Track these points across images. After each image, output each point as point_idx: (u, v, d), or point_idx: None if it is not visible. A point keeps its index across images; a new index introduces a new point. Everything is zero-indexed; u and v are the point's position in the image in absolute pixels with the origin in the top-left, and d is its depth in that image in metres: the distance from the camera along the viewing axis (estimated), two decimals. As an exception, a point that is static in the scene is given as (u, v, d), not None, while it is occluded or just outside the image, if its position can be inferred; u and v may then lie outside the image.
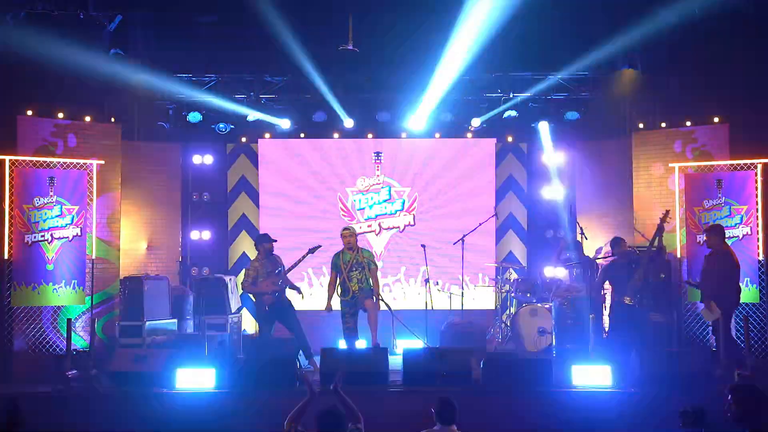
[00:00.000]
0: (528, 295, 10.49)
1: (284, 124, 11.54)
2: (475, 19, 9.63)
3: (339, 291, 8.91)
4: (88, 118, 10.06)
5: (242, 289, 9.20)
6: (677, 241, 9.91)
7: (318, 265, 10.86)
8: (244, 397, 7.42)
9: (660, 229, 8.43)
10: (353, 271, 8.83)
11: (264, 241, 9.09)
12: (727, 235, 8.69)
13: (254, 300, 9.12)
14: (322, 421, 4.78)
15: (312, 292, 10.90)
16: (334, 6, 9.79)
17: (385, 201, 11.88)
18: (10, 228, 9.10)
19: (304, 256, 9.08)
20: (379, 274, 9.19)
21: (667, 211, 8.60)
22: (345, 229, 9.11)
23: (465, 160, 11.86)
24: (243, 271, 9.21)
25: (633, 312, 8.28)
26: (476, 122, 11.51)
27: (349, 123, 11.51)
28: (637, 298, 8.25)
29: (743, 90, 9.68)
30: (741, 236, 9.37)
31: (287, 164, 11.87)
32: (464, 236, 10.51)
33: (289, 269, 9.08)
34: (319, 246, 9.16)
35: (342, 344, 9.09)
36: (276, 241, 9.15)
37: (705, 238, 8.67)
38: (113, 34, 9.57)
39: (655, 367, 7.59)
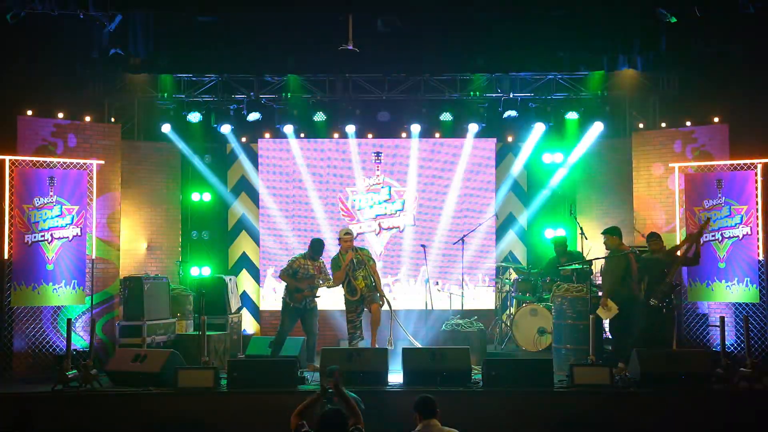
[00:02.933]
0: (528, 295, 10.49)
1: (284, 124, 11.53)
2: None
3: (346, 291, 8.89)
4: (88, 118, 10.06)
5: (279, 275, 9.13)
6: (677, 241, 9.88)
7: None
8: (244, 397, 7.42)
9: (699, 235, 8.47)
10: (358, 269, 8.83)
11: (317, 245, 9.12)
12: (729, 235, 8.68)
13: (285, 292, 9.08)
14: (325, 420, 4.77)
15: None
16: (334, 5, 9.77)
17: (385, 201, 11.87)
18: (10, 228, 9.10)
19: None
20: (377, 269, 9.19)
21: (709, 218, 8.58)
22: (346, 233, 9.07)
23: (465, 160, 11.85)
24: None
25: (657, 314, 8.23)
26: (474, 126, 11.43)
27: (349, 124, 11.49)
28: (665, 301, 8.21)
29: (743, 90, 9.68)
30: (741, 236, 9.36)
31: (287, 164, 11.87)
32: (464, 236, 10.50)
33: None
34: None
35: (343, 344, 9.09)
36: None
37: (604, 239, 8.73)
38: (113, 34, 9.54)
39: (655, 367, 7.59)
